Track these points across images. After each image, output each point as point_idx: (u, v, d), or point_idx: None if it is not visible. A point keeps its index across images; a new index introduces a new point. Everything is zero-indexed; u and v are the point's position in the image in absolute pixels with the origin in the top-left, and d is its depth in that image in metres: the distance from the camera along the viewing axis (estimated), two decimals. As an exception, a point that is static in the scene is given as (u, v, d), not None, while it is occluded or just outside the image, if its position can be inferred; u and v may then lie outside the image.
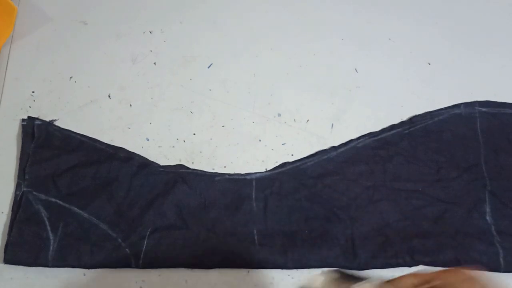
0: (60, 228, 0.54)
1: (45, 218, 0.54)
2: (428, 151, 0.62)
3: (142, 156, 0.60)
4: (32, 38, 0.67)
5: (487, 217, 0.59)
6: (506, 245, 0.56)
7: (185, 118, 0.64)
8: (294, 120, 0.64)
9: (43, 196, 0.55)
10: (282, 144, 0.63)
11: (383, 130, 0.64)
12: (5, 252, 0.52)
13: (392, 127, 0.64)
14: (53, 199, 0.55)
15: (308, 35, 0.71)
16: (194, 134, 0.63)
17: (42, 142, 0.58)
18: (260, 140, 0.63)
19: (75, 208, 0.55)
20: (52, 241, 0.53)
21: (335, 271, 0.47)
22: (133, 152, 0.60)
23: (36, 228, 0.53)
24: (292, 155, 0.62)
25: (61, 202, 0.55)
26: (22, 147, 0.58)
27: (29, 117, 0.60)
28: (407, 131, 0.64)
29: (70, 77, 0.65)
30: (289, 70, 0.68)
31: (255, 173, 0.60)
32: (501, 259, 0.56)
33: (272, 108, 0.65)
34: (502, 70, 0.70)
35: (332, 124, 0.64)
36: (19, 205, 0.54)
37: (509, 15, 0.76)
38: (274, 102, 0.66)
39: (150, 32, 0.69)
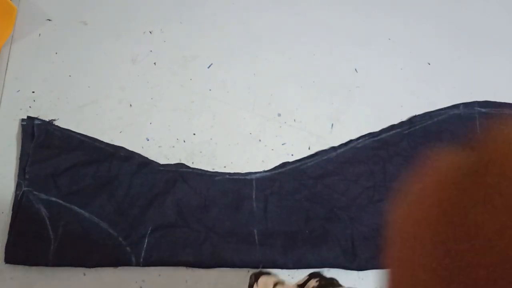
0: (60, 227, 0.53)
1: (46, 218, 0.54)
2: (428, 151, 0.62)
3: (142, 155, 0.60)
4: (32, 38, 0.67)
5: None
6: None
7: (185, 118, 0.63)
8: (294, 120, 0.65)
9: (43, 196, 0.55)
10: (282, 144, 0.63)
11: (382, 131, 0.64)
12: (5, 252, 0.52)
13: (392, 127, 0.64)
14: (54, 199, 0.55)
15: (308, 35, 0.72)
16: (194, 134, 0.63)
17: (42, 141, 0.58)
18: (260, 140, 0.63)
19: (76, 207, 0.55)
20: (52, 240, 0.53)
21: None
22: (133, 151, 0.60)
23: (37, 227, 0.53)
24: (292, 155, 0.62)
25: (61, 202, 0.55)
26: (22, 147, 0.58)
27: (28, 117, 0.60)
28: (406, 132, 0.64)
29: (70, 77, 0.65)
30: (289, 70, 0.68)
31: (255, 172, 0.60)
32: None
33: (272, 108, 0.65)
34: (502, 70, 0.71)
35: (332, 124, 0.65)
36: (19, 204, 0.54)
37: (509, 15, 0.76)
38: (274, 102, 0.66)
39: (150, 32, 0.69)
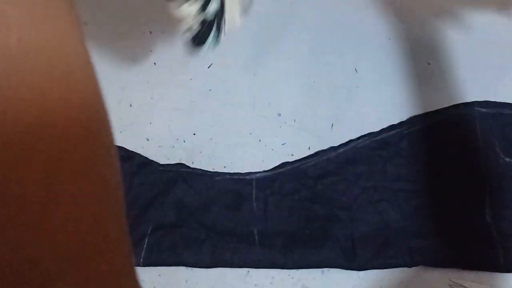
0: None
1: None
2: (428, 151, 0.63)
3: (142, 155, 0.60)
4: (32, 38, 0.67)
5: (487, 217, 0.59)
6: (506, 245, 0.57)
7: (185, 118, 0.64)
8: (294, 120, 0.65)
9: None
10: (282, 144, 0.63)
11: (382, 131, 0.64)
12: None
13: (392, 127, 0.64)
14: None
15: (308, 34, 0.72)
16: (194, 134, 0.63)
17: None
18: (260, 140, 0.63)
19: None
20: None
21: None
22: (133, 151, 0.60)
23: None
24: (292, 155, 0.62)
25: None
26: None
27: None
28: (406, 132, 0.64)
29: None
30: (289, 70, 0.68)
31: (255, 172, 0.60)
32: (501, 259, 0.56)
33: (272, 108, 0.65)
34: (502, 70, 0.71)
35: (332, 124, 0.65)
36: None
37: (509, 14, 0.76)
38: (274, 102, 0.66)
39: (150, 32, 0.70)
